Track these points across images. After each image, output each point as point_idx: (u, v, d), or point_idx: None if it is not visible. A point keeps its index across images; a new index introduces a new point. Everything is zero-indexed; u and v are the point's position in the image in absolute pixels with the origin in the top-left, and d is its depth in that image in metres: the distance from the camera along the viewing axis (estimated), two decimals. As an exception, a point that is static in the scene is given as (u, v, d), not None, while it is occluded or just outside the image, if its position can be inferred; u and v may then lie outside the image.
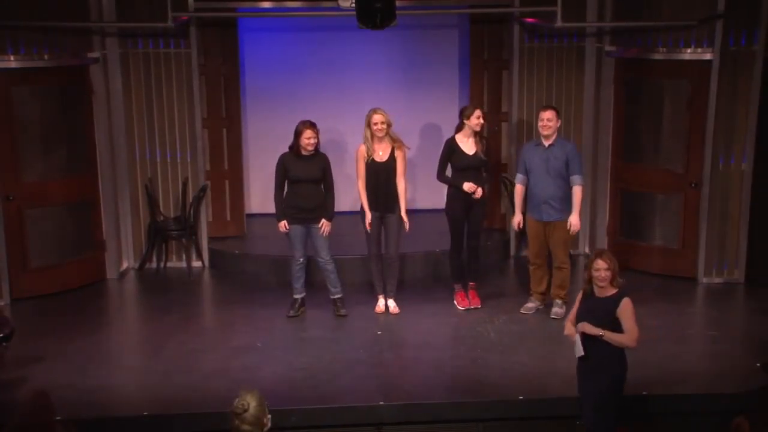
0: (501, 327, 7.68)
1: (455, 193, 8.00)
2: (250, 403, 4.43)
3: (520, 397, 6.29)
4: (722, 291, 8.59)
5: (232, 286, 9.00)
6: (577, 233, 7.90)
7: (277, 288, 8.74)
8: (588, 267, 5.72)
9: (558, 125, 7.73)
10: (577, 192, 7.67)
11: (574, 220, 7.68)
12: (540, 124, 7.75)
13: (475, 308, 8.10)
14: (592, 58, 9.39)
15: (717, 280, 8.77)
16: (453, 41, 10.55)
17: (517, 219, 7.99)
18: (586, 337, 5.60)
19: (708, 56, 8.42)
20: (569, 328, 5.81)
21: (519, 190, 7.93)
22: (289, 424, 6.04)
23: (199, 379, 6.67)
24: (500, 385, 6.12)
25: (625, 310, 5.60)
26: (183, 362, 7.00)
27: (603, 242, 9.41)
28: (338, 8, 8.46)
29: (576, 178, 7.67)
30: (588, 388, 5.74)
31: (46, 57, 8.35)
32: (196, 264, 9.45)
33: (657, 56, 8.69)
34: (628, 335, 5.59)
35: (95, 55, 8.83)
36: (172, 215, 9.43)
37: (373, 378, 6.68)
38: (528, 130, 9.56)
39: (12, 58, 8.16)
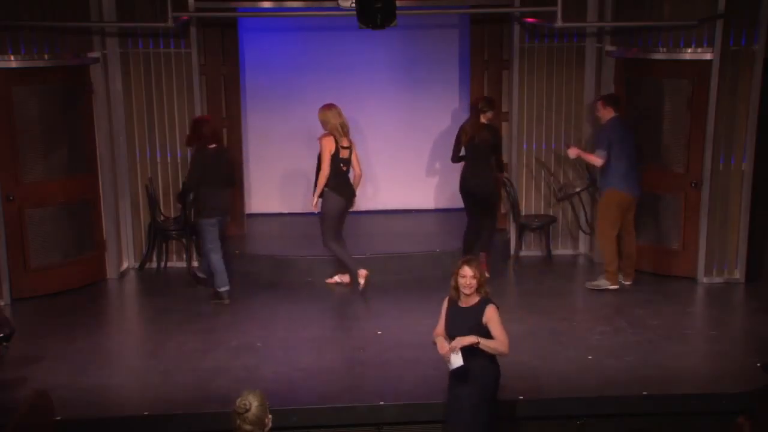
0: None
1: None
2: (252, 402, 4.43)
3: (520, 397, 6.29)
4: (722, 291, 8.58)
5: (233, 286, 8.97)
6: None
7: (277, 287, 8.73)
8: (454, 273, 5.71)
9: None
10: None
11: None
12: None
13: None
14: (592, 58, 9.39)
15: (717, 280, 8.77)
16: (453, 41, 10.55)
17: None
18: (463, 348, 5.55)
19: (708, 56, 8.42)
20: (441, 344, 5.68)
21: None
22: (290, 424, 6.04)
23: (199, 379, 6.66)
24: (500, 385, 6.09)
25: (492, 317, 5.59)
26: (183, 362, 7.00)
27: (603, 242, 9.40)
28: (338, 8, 8.46)
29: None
30: (462, 397, 5.68)
31: (46, 57, 8.35)
32: (196, 264, 9.43)
33: (657, 56, 8.69)
34: (500, 342, 5.57)
35: (95, 54, 8.83)
36: (172, 215, 9.42)
37: (373, 378, 6.68)
38: (528, 130, 9.56)
39: (12, 57, 8.15)
